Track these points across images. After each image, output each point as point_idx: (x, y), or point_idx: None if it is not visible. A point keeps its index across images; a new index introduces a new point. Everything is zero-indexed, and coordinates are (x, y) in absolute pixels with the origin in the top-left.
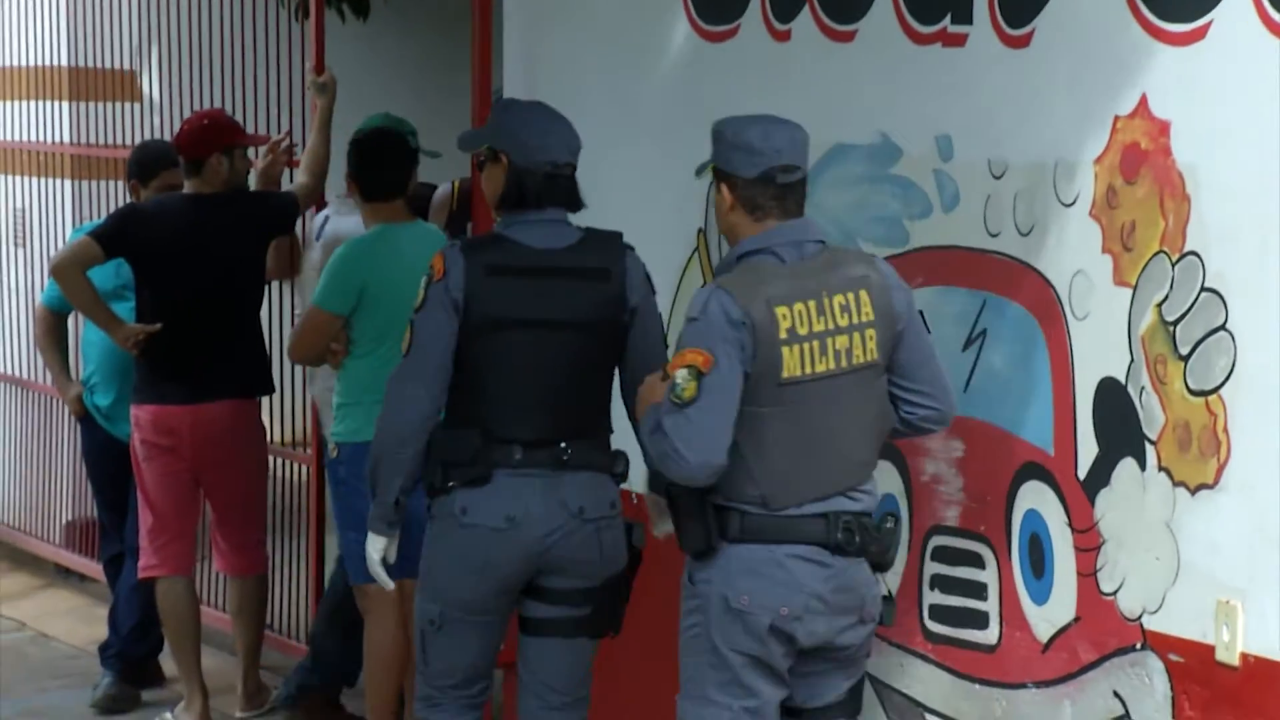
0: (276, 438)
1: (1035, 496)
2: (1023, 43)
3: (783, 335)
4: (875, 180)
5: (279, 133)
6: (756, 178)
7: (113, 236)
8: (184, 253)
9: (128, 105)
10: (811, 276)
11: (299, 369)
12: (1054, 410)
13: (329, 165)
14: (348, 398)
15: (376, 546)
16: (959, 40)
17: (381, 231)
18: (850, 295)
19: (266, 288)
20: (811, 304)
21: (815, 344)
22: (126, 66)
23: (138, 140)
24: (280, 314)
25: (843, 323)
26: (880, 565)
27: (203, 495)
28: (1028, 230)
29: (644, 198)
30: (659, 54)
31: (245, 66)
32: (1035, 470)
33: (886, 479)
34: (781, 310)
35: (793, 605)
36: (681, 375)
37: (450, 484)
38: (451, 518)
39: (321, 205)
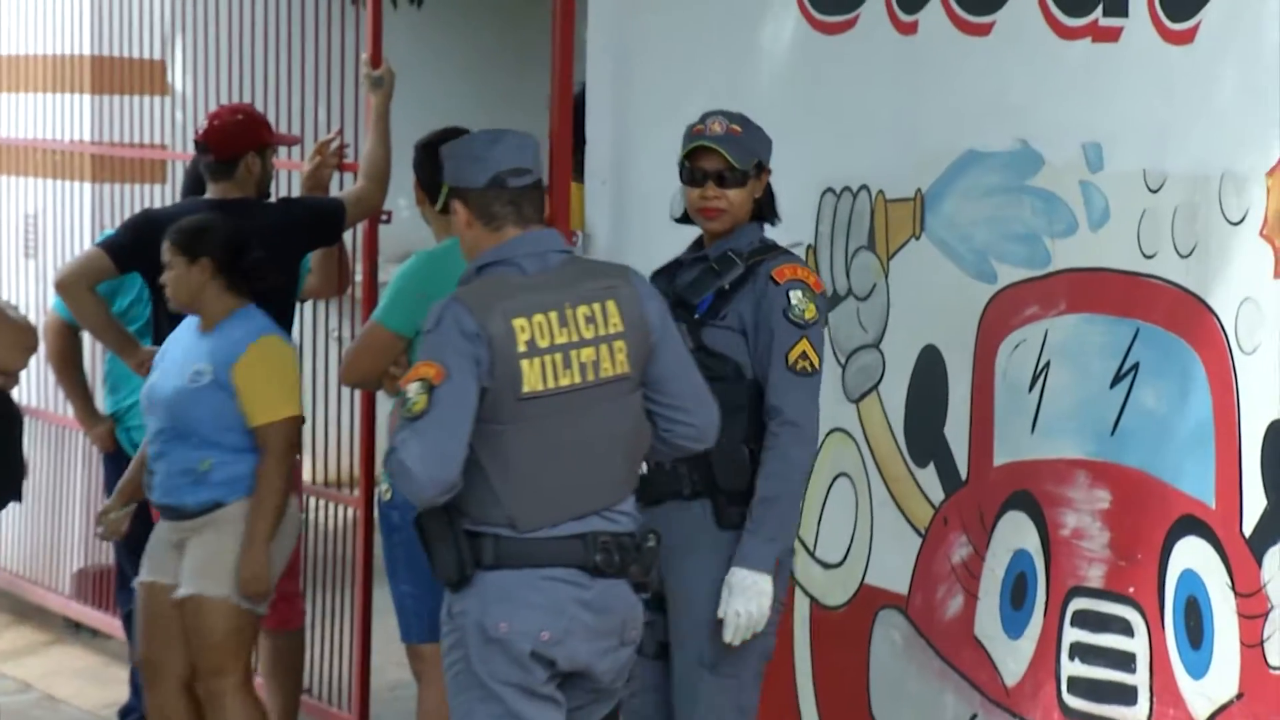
0: (318, 476)
1: (1193, 554)
2: (1186, 38)
3: (521, 348)
4: (1013, 192)
5: (327, 132)
6: (486, 185)
7: (127, 247)
8: None
9: (154, 99)
10: (554, 288)
11: (343, 398)
12: (1216, 456)
13: (390, 169)
14: None
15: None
16: (1112, 35)
17: (455, 245)
18: (596, 306)
19: (302, 306)
20: (553, 315)
21: (557, 357)
22: (154, 56)
23: (164, 138)
24: (326, 337)
25: (588, 334)
26: (642, 586)
27: None
28: (1188, 251)
29: None
30: (766, 48)
31: (288, 57)
32: (1194, 524)
33: (1021, 532)
34: (519, 322)
35: (553, 629)
36: (413, 389)
37: None
38: None
39: (380, 218)
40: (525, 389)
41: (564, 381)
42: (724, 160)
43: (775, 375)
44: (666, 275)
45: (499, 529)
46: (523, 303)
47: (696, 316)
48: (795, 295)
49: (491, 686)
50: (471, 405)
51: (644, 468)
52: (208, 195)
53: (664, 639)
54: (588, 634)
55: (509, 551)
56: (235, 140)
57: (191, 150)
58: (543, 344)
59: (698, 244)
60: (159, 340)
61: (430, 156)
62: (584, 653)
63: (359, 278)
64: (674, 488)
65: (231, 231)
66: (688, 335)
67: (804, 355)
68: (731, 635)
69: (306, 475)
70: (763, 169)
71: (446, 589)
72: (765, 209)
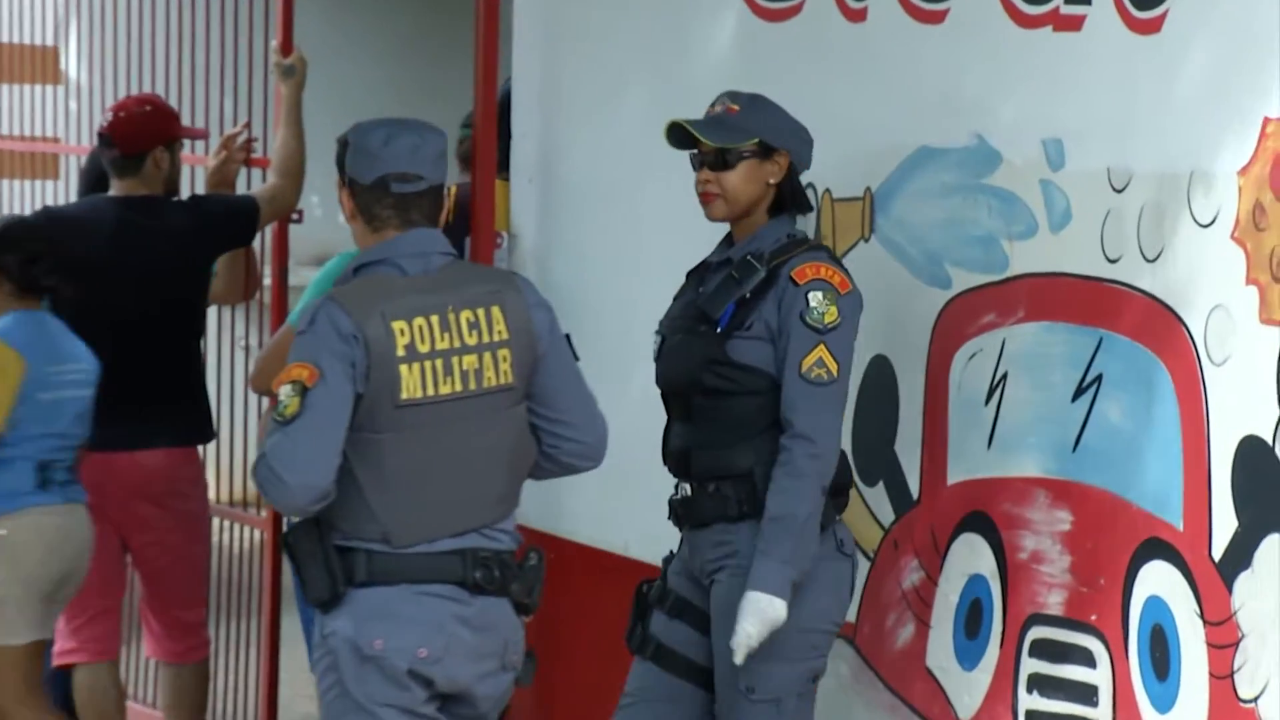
0: (223, 495)
1: (1159, 580)
2: (1153, 27)
3: (400, 352)
4: (968, 192)
5: (233, 125)
6: (372, 184)
7: None
8: (112, 268)
9: (46, 88)
10: (436, 290)
11: (250, 410)
12: (1184, 475)
13: (304, 165)
14: None
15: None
16: (1074, 23)
17: None
18: (480, 311)
19: (212, 312)
20: (434, 319)
21: (438, 363)
22: (45, 42)
23: (57, 130)
24: (231, 345)
25: (471, 341)
26: (525, 607)
27: (131, 564)
28: (1155, 255)
29: (691, 207)
30: (705, 35)
31: (191, 44)
32: (1159, 548)
33: (976, 556)
34: (399, 325)
35: (432, 646)
36: (285, 392)
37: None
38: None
39: (292, 217)
40: (404, 396)
41: (444, 389)
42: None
43: (789, 384)
44: (695, 279)
45: (372, 544)
46: (403, 305)
47: (720, 330)
48: (815, 297)
49: (370, 709)
50: (346, 410)
51: (688, 490)
52: (111, 192)
53: (696, 659)
54: (468, 653)
55: (383, 567)
56: (142, 134)
57: (87, 143)
58: (423, 349)
59: (727, 240)
60: None
61: None
62: (464, 674)
63: (268, 281)
64: (720, 510)
65: (21, 235)
66: (714, 349)
67: (820, 363)
68: (741, 657)
69: (211, 494)
70: (772, 150)
71: (318, 610)
72: (788, 199)
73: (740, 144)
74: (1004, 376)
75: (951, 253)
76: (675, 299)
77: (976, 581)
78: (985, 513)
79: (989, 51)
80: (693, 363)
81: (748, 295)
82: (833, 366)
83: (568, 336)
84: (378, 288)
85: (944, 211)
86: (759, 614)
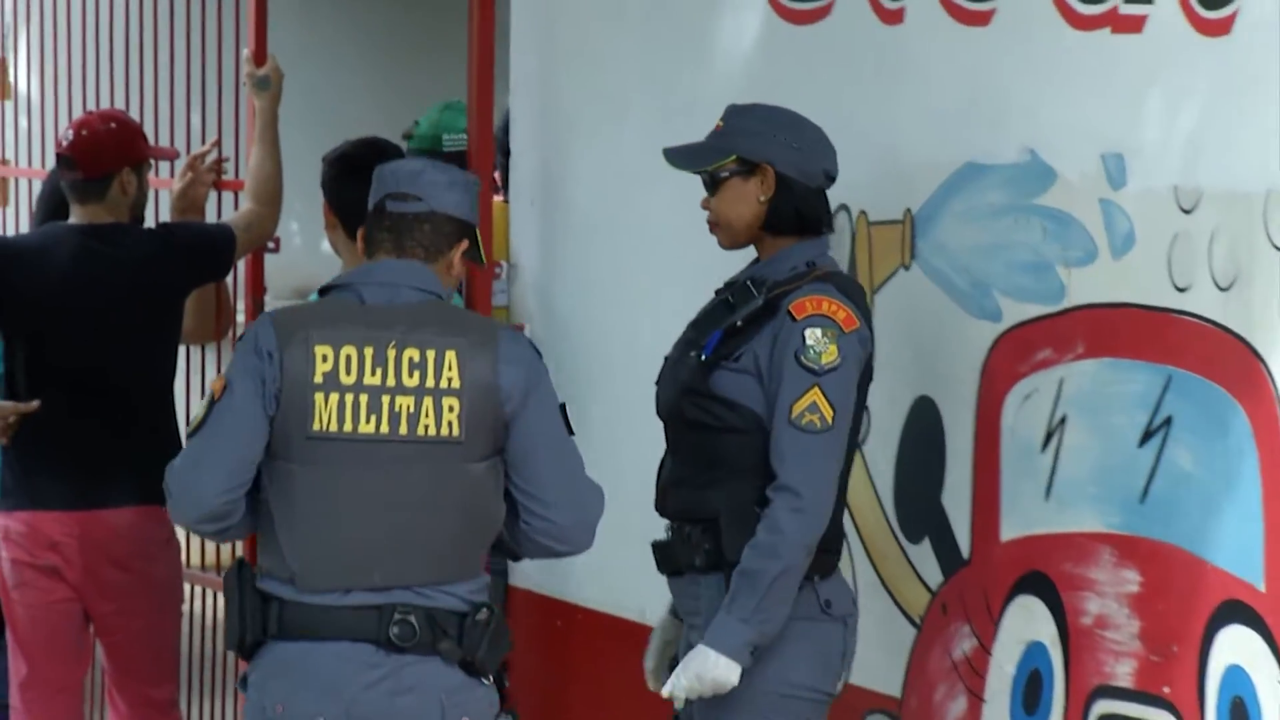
0: (194, 559)
1: (1239, 646)
2: (1222, 28)
3: (317, 378)
4: (1020, 213)
5: (201, 143)
6: (373, 208)
7: None
8: (73, 305)
9: None
10: (386, 325)
11: None
12: (1265, 529)
13: (282, 188)
14: None
15: None
16: (1134, 24)
17: None
18: (430, 354)
19: (183, 353)
20: (368, 351)
21: (362, 397)
22: None
23: (5, 151)
24: (202, 389)
25: (409, 383)
26: (474, 667)
27: (94, 635)
28: (1228, 283)
29: (700, 220)
30: (725, 40)
31: (154, 53)
32: (1239, 611)
33: (1034, 621)
34: (323, 350)
35: (328, 712)
36: (201, 403)
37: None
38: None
39: (268, 246)
40: (315, 426)
41: (365, 427)
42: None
43: (777, 430)
44: (721, 297)
45: (283, 587)
46: (335, 332)
47: (704, 358)
48: (813, 334)
49: None
50: (249, 427)
51: (668, 534)
52: (72, 220)
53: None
54: (381, 718)
55: (291, 617)
56: (108, 154)
57: (39, 166)
58: (346, 380)
59: (756, 262)
60: (13, 395)
61: (345, 172)
62: None
63: (241, 318)
64: (688, 558)
65: None
66: (696, 378)
67: (813, 408)
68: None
69: (182, 556)
70: (754, 165)
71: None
72: (788, 218)
73: (712, 165)
74: (1062, 420)
75: (1001, 281)
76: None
77: (1035, 650)
78: (1043, 573)
79: (1040, 56)
80: (676, 390)
81: (739, 324)
82: (827, 412)
83: (563, 406)
84: (320, 310)
85: (992, 235)
86: (699, 669)
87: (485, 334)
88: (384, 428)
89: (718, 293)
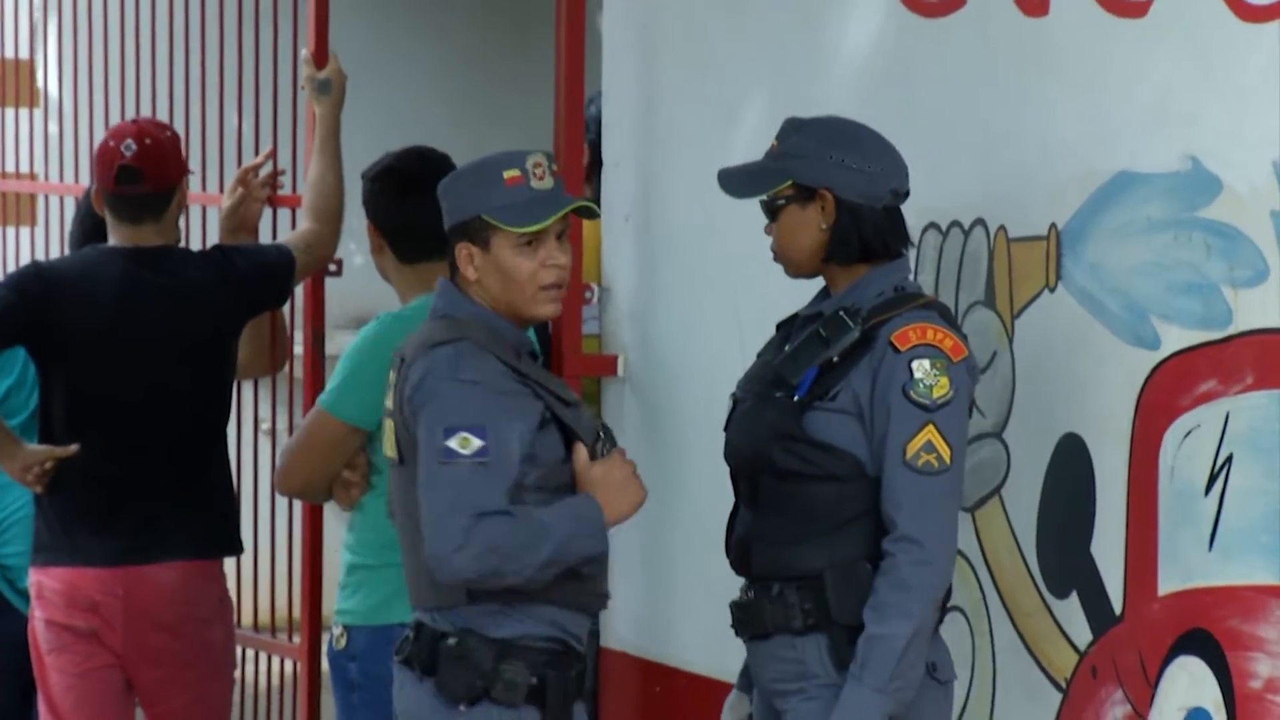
0: (247, 619)
1: None
2: None
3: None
4: (1181, 227)
5: (254, 154)
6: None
7: (5, 312)
8: (120, 338)
9: (19, 111)
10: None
11: (278, 513)
12: None
13: (343, 205)
14: (365, 556)
15: None
16: None
17: (426, 305)
18: (393, 376)
19: (237, 391)
20: (392, 376)
21: (388, 423)
22: (18, 55)
23: (34, 164)
24: (255, 430)
25: (390, 405)
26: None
27: (137, 704)
28: None
29: None
30: (845, 36)
31: (200, 54)
32: None
33: (1196, 685)
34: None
35: None
36: None
37: None
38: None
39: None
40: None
41: (389, 451)
42: None
43: (891, 473)
44: (782, 333)
45: None
46: None
47: (796, 398)
48: (921, 366)
49: None
50: None
51: (750, 593)
52: (115, 242)
53: None
54: None
55: None
56: (173, 164)
57: (72, 180)
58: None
59: (823, 291)
60: (49, 438)
61: (387, 189)
62: None
63: (299, 349)
64: (782, 619)
65: None
66: (788, 421)
67: (929, 447)
68: None
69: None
70: (812, 190)
71: None
72: (854, 245)
73: (766, 191)
74: (1228, 459)
75: (1159, 304)
76: (758, 355)
77: (1197, 717)
78: (1207, 630)
79: (1204, 52)
80: (761, 435)
81: (835, 359)
82: (945, 452)
83: (450, 430)
84: None
85: (1150, 253)
86: None
87: (416, 351)
88: (390, 451)
89: (779, 327)
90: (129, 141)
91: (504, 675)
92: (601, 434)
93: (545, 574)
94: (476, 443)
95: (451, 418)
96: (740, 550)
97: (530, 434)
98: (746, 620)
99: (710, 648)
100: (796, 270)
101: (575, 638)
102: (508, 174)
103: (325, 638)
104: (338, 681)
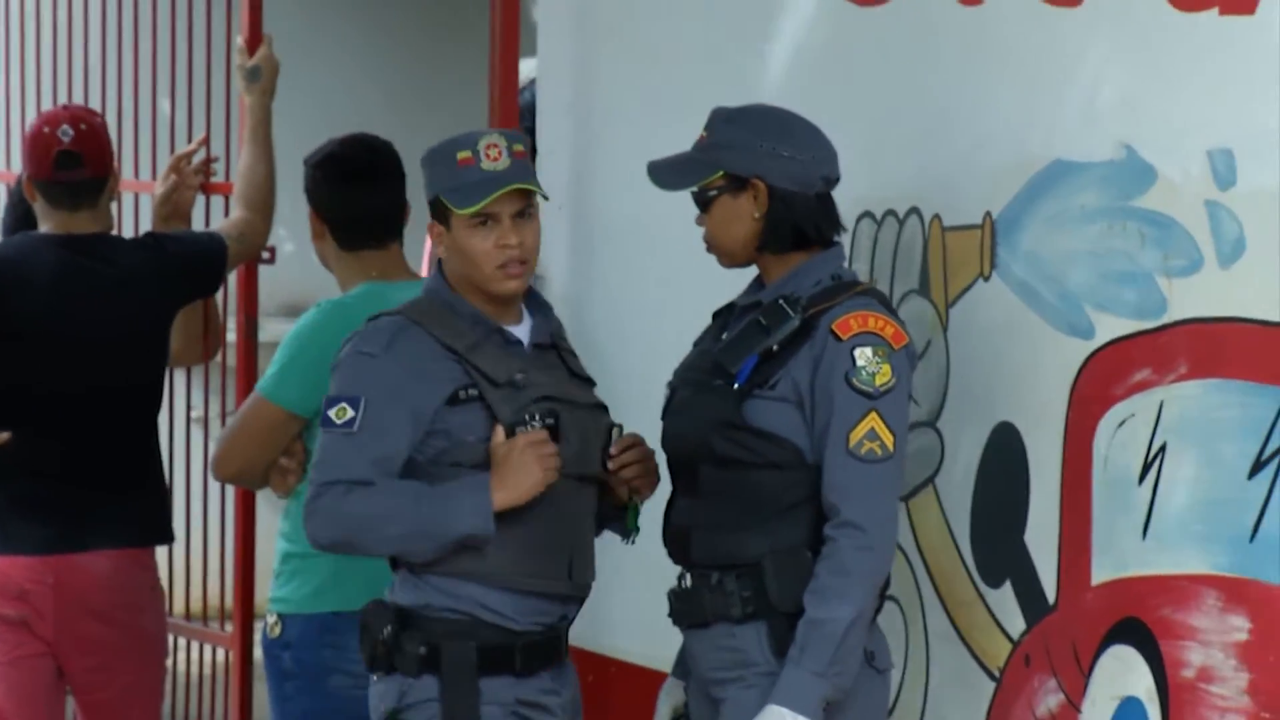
0: (179, 607)
1: None
2: None
3: None
4: (1115, 215)
5: (186, 141)
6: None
7: None
8: (53, 327)
9: None
10: None
11: (210, 500)
12: None
13: (275, 192)
14: (300, 545)
15: None
16: (1246, 6)
17: (368, 294)
18: None
19: (168, 379)
20: None
21: None
22: None
23: None
24: (187, 418)
25: None
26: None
27: (69, 693)
28: None
29: None
30: (782, 23)
31: (134, 42)
32: None
33: (1128, 674)
34: None
35: None
36: None
37: None
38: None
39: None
40: None
41: None
42: None
43: (832, 461)
44: (719, 322)
45: None
46: None
47: (736, 386)
48: (863, 354)
49: None
50: None
51: (687, 581)
52: (46, 229)
53: None
54: None
55: None
56: (108, 150)
57: (4, 168)
58: None
59: (758, 280)
60: None
61: (330, 176)
62: None
63: (231, 337)
64: (721, 608)
65: None
66: (729, 409)
67: (872, 434)
68: None
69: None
70: (743, 180)
71: None
72: (786, 234)
73: (697, 183)
74: (1162, 448)
75: (1094, 293)
76: (695, 344)
77: (1130, 706)
78: (1140, 620)
79: (1139, 41)
80: (702, 423)
81: (775, 347)
82: (887, 439)
83: (332, 400)
84: None
85: (1084, 242)
86: None
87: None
88: None
89: (715, 316)
90: (65, 127)
91: (402, 645)
92: (543, 420)
93: (415, 546)
94: (350, 413)
95: (336, 388)
96: (678, 538)
97: (436, 409)
98: (685, 609)
99: (644, 636)
100: (730, 260)
101: (498, 614)
102: (460, 155)
103: (258, 626)
104: (271, 670)
